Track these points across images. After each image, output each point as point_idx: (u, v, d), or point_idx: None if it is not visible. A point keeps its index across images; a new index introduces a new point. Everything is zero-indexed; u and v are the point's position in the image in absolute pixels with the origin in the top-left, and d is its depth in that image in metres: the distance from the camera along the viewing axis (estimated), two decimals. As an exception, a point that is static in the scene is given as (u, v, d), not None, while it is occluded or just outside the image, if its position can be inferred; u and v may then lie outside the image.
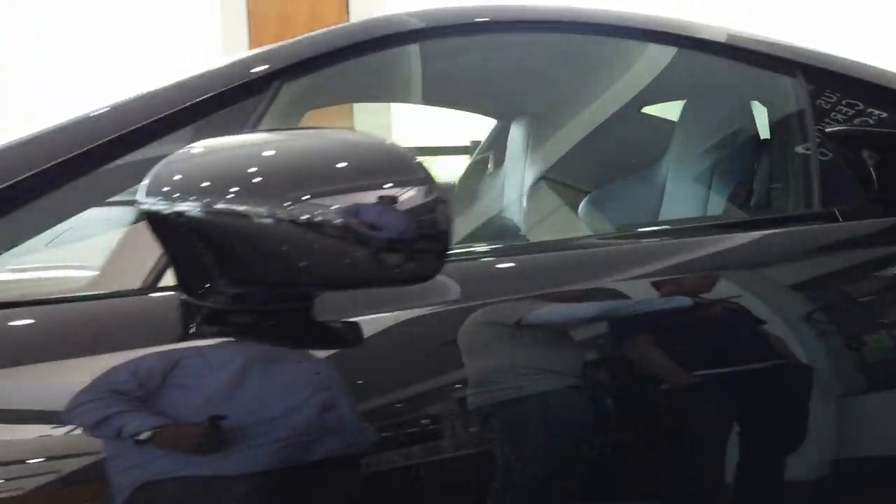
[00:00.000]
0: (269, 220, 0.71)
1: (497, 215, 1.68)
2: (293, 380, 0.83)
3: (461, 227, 1.81)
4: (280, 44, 1.11)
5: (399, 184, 0.75)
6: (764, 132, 1.30)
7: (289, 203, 0.71)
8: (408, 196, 0.74)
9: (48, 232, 0.88)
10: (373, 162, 0.77)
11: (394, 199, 0.74)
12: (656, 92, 1.44)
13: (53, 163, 0.86)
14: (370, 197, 0.74)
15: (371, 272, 0.75)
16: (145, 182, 0.75)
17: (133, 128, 0.90)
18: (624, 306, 1.00)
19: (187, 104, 0.94)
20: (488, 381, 0.90)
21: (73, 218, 0.89)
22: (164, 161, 0.76)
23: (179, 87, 0.97)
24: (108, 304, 0.83)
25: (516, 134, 1.77)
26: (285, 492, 0.79)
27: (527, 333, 0.94)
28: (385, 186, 0.74)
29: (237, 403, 0.77)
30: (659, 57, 1.40)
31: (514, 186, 1.68)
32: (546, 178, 1.54)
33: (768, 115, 1.29)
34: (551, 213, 1.47)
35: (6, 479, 0.72)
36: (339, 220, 0.72)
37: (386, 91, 1.79)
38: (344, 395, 0.84)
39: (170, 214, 0.73)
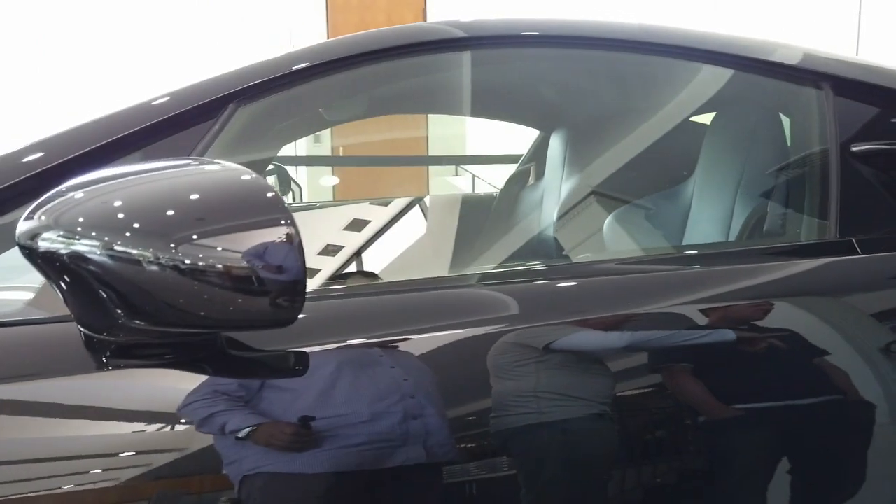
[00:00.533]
0: (155, 268, 0.70)
1: (535, 230, 1.68)
2: (381, 385, 0.86)
3: (501, 239, 1.81)
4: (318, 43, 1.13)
5: (266, 224, 0.73)
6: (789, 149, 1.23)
7: (173, 245, 0.70)
8: (276, 237, 0.72)
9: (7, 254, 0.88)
10: (245, 200, 0.74)
11: (293, 239, 0.73)
12: (690, 106, 1.41)
13: (4, 185, 0.88)
14: (263, 237, 0.72)
15: (261, 316, 0.73)
16: (33, 215, 0.73)
17: (88, 149, 0.91)
18: (656, 335, 0.97)
19: (137, 128, 0.94)
20: (510, 403, 0.90)
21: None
22: (53, 193, 0.74)
23: (132, 109, 0.98)
24: (24, 329, 0.83)
25: (555, 145, 1.76)
26: (363, 494, 0.83)
27: (554, 357, 0.93)
28: (266, 226, 0.72)
29: (327, 405, 0.81)
30: (693, 71, 1.36)
31: (552, 199, 1.67)
32: (580, 192, 1.52)
33: (790, 131, 1.22)
34: (584, 229, 1.45)
35: (103, 470, 0.76)
36: (242, 264, 0.71)
37: (428, 100, 1.80)
38: (430, 405, 0.86)
39: (65, 255, 0.71)
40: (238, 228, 0.72)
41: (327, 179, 4.06)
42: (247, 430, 0.79)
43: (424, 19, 5.78)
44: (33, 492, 0.75)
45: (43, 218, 0.72)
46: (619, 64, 1.38)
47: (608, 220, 1.32)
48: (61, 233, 0.70)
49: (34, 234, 0.71)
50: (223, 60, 1.20)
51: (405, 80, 1.40)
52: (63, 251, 0.70)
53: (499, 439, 0.88)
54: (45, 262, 0.72)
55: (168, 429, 0.79)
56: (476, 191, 4.30)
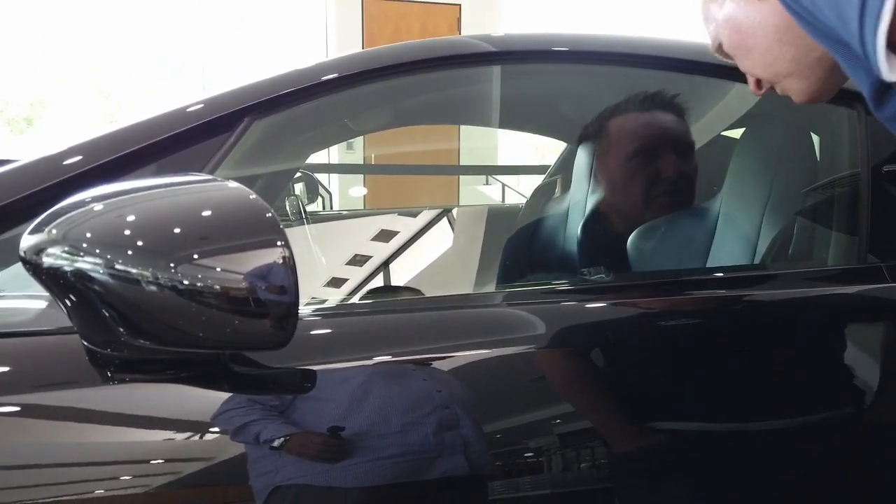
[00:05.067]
0: (156, 288, 0.70)
1: (559, 244, 1.66)
2: (414, 396, 0.85)
3: (526, 254, 1.80)
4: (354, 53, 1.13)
5: (273, 244, 0.72)
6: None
7: (173, 265, 0.70)
8: (283, 258, 0.72)
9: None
10: (239, 220, 0.73)
11: (289, 262, 0.72)
12: (719, 123, 1.38)
13: (24, 193, 0.88)
14: (261, 259, 0.71)
15: (254, 338, 0.73)
16: (36, 231, 0.73)
17: (100, 162, 0.91)
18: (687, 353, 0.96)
19: (150, 142, 0.94)
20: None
21: None
22: (55, 210, 0.74)
23: (146, 122, 0.97)
24: (34, 340, 0.83)
25: (582, 158, 1.74)
26: None
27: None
28: (262, 247, 0.72)
29: (359, 416, 0.81)
30: (722, 88, 1.34)
31: (577, 213, 1.65)
32: (601, 210, 1.50)
33: (820, 151, 1.19)
34: (607, 245, 1.43)
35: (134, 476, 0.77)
36: (240, 285, 0.71)
37: (457, 112, 1.80)
38: (465, 416, 0.85)
39: (68, 272, 0.71)
40: (236, 249, 0.71)
41: (357, 189, 4.08)
42: (280, 439, 0.79)
43: (459, 28, 5.80)
44: (37, 499, 0.75)
45: (51, 233, 0.72)
46: (647, 80, 1.36)
47: (633, 236, 1.30)
48: (66, 248, 0.71)
49: (39, 250, 0.72)
50: (260, 69, 1.20)
51: (435, 92, 1.41)
52: (67, 268, 0.71)
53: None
54: (49, 278, 0.72)
55: (178, 439, 0.80)
56: (506, 200, 4.30)
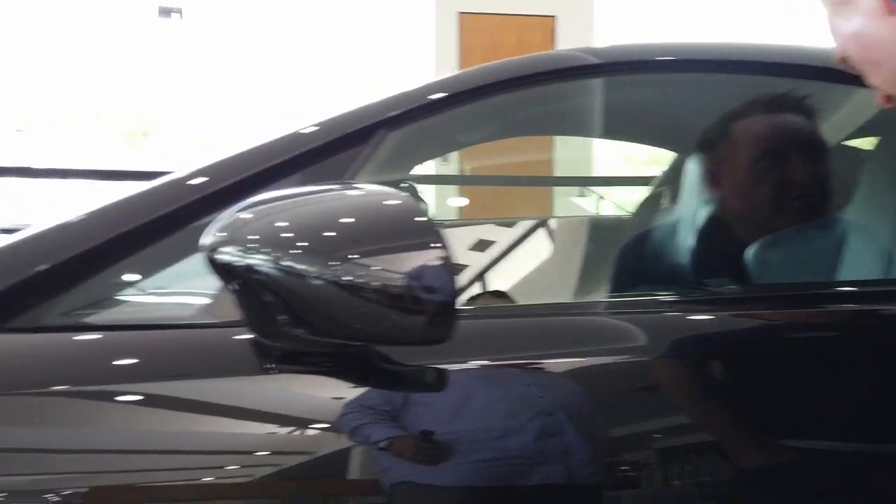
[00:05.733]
0: (319, 282, 0.76)
1: (671, 256, 1.62)
2: (515, 401, 0.87)
3: (636, 264, 1.77)
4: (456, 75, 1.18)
5: (416, 247, 0.77)
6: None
7: (335, 263, 0.76)
8: (426, 258, 0.77)
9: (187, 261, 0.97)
10: (397, 223, 0.79)
11: (445, 262, 0.77)
12: (845, 130, 1.33)
13: (195, 198, 0.96)
14: (417, 259, 0.76)
15: (409, 333, 0.77)
16: (213, 231, 0.81)
17: (252, 172, 0.99)
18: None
19: (294, 154, 1.01)
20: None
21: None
22: (230, 212, 0.82)
23: (288, 137, 1.04)
24: (203, 332, 0.91)
25: (693, 169, 1.70)
26: None
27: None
28: (403, 248, 0.77)
29: (460, 420, 0.85)
30: (848, 94, 1.28)
31: (690, 223, 1.61)
32: (718, 220, 1.46)
33: None
34: (722, 258, 1.39)
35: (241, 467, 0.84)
36: (399, 282, 0.75)
37: (561, 124, 1.81)
38: (568, 423, 0.86)
39: (241, 267, 0.78)
40: (394, 250, 0.77)
41: (454, 199, 4.11)
42: (385, 441, 0.83)
43: (554, 40, 5.78)
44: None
45: (222, 234, 0.80)
46: (765, 87, 1.33)
47: (751, 249, 1.26)
48: (238, 248, 0.78)
49: (214, 248, 0.79)
50: (362, 82, 1.28)
51: (541, 106, 1.42)
52: (238, 263, 0.78)
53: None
54: (224, 273, 0.80)
55: (316, 432, 0.86)
56: (601, 212, 4.24)
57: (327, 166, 1.00)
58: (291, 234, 0.77)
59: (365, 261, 0.75)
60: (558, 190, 4.60)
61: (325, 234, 0.77)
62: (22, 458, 0.80)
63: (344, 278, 0.75)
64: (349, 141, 1.03)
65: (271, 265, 0.76)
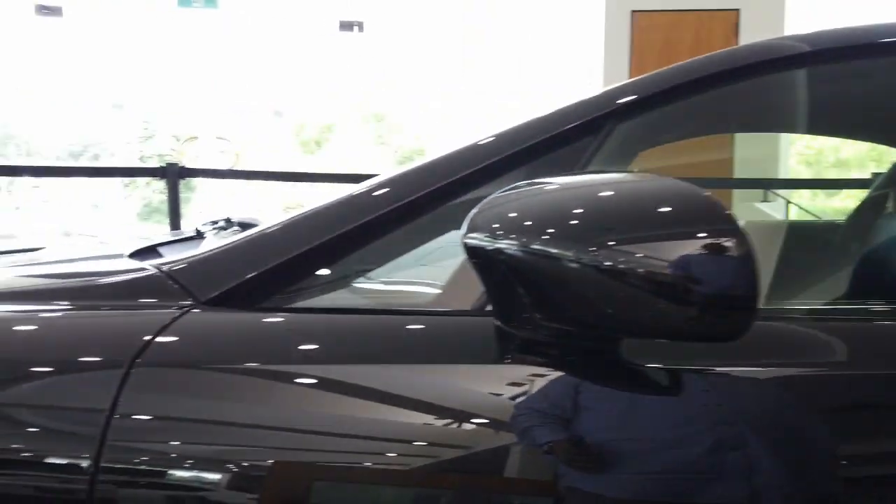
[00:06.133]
0: (576, 265, 0.74)
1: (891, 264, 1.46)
2: (689, 409, 0.81)
3: (843, 274, 1.61)
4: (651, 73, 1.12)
5: (712, 235, 0.72)
6: None
7: (594, 248, 0.74)
8: (723, 249, 0.72)
9: (422, 249, 1.01)
10: (685, 211, 0.75)
11: (718, 253, 0.72)
12: None
13: (427, 191, 0.98)
14: (687, 248, 0.72)
15: (679, 325, 0.73)
16: (470, 218, 0.83)
17: (483, 164, 1.00)
18: None
19: (523, 146, 1.01)
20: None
21: (440, 240, 1.01)
22: (486, 200, 0.83)
23: (515, 130, 1.04)
24: (438, 320, 0.92)
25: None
26: None
27: None
28: (699, 237, 0.72)
29: (625, 427, 0.80)
30: None
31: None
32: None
33: None
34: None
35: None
36: (667, 271, 0.72)
37: (765, 119, 1.69)
38: (755, 437, 0.79)
39: (490, 251, 0.80)
40: (686, 237, 0.73)
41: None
42: (548, 444, 0.80)
43: (737, 35, 5.46)
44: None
45: (476, 222, 0.82)
46: None
47: None
48: (487, 234, 0.81)
49: (479, 232, 0.82)
50: (541, 79, 1.28)
51: (755, 100, 1.33)
52: (488, 247, 0.80)
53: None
54: (475, 257, 0.83)
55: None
56: (791, 217, 3.94)
57: (558, 157, 1.00)
58: (559, 217, 0.77)
59: (629, 248, 0.73)
60: (738, 194, 4.34)
61: (615, 219, 0.76)
62: (220, 429, 0.81)
63: (606, 263, 0.73)
64: (582, 132, 1.02)
65: (521, 249, 0.77)
